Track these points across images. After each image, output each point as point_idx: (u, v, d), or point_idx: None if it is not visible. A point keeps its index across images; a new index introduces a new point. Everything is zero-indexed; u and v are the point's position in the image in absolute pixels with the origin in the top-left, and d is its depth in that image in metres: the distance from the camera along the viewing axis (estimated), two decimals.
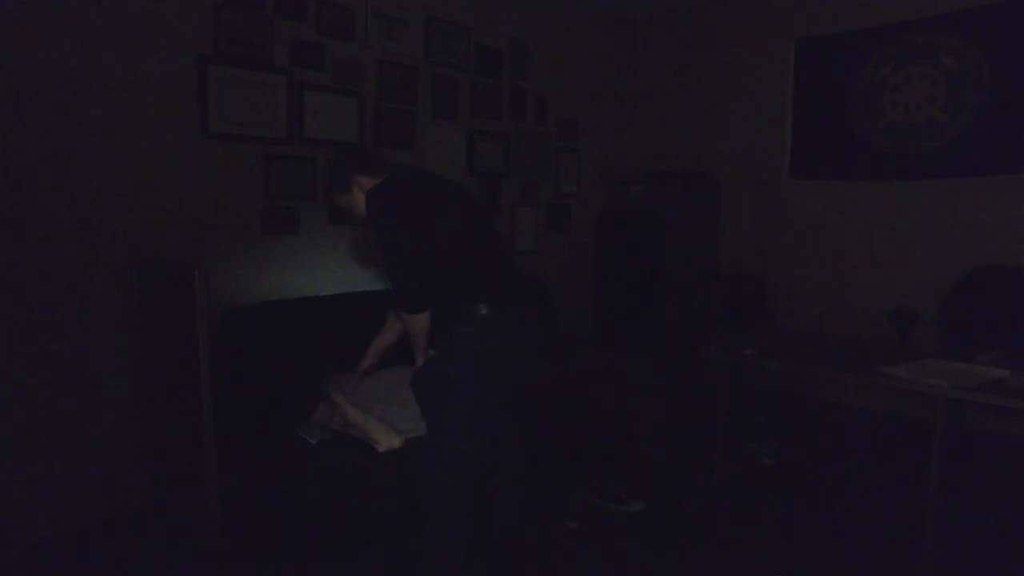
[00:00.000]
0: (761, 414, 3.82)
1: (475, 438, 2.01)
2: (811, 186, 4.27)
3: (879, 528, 2.71)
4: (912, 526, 2.49)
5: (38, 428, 2.37)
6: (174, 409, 2.33)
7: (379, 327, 3.01)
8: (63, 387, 2.41)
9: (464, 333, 1.95)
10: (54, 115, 2.35)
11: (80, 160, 2.42)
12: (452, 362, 1.97)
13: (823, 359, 2.84)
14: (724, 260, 4.71)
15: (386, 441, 2.33)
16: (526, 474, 2.27)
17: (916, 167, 3.83)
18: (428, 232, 1.94)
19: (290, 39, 2.97)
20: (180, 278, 2.16)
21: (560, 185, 4.50)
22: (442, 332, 2.02)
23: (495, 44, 3.93)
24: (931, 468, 2.34)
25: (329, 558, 2.34)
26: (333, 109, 3.15)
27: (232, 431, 2.36)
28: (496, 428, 2.12)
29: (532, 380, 2.21)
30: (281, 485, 2.36)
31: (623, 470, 3.11)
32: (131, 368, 2.57)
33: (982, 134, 3.60)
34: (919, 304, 3.68)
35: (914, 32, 3.78)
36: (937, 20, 3.69)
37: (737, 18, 4.52)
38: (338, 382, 2.58)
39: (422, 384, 2.23)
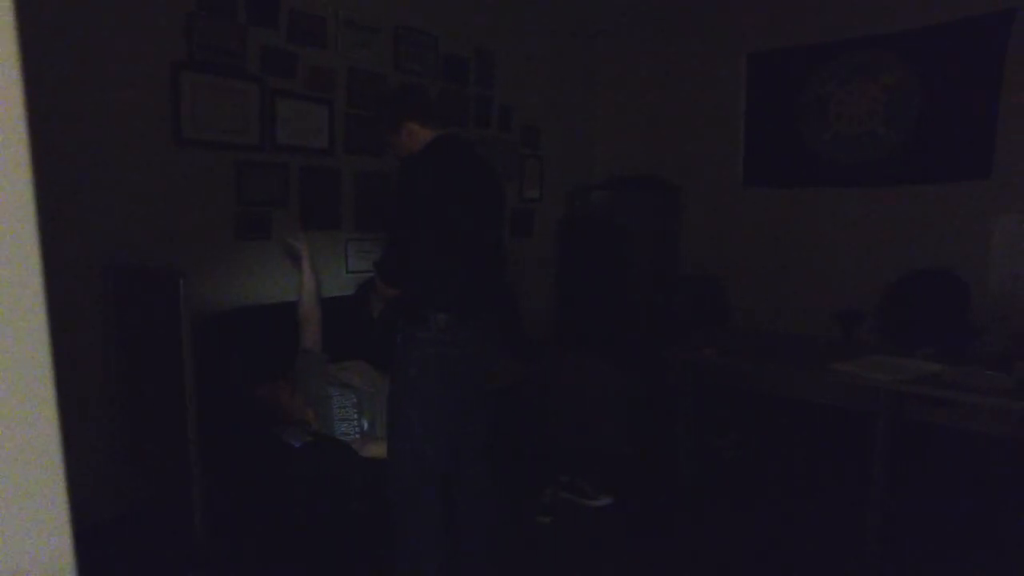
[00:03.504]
0: (721, 410, 4.00)
1: (436, 439, 2.01)
2: (763, 193, 4.49)
3: (830, 511, 2.90)
4: (859, 508, 2.68)
5: None
6: (156, 415, 2.34)
7: (352, 331, 3.08)
8: None
9: (421, 338, 1.96)
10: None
11: (51, 166, 2.40)
12: (411, 363, 1.99)
13: (778, 357, 3.02)
14: (683, 263, 4.90)
15: (373, 450, 2.39)
16: (491, 489, 2.25)
17: (859, 176, 4.08)
18: (434, 226, 1.93)
19: (262, 47, 3.00)
20: (162, 285, 2.18)
21: (524, 191, 4.62)
22: (403, 333, 2.05)
23: (462, 53, 4.02)
24: (875, 455, 2.54)
25: (312, 560, 2.38)
26: (305, 116, 3.18)
27: (213, 436, 2.38)
28: (457, 439, 2.11)
29: (489, 396, 2.22)
30: (264, 488, 2.39)
31: (591, 466, 3.23)
32: (107, 374, 2.56)
33: (917, 147, 3.87)
34: (863, 303, 3.92)
35: (856, 50, 4.03)
36: (876, 39, 3.95)
37: (694, 32, 4.72)
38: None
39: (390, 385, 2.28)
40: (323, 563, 2.37)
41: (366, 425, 2.61)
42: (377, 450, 2.38)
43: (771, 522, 2.84)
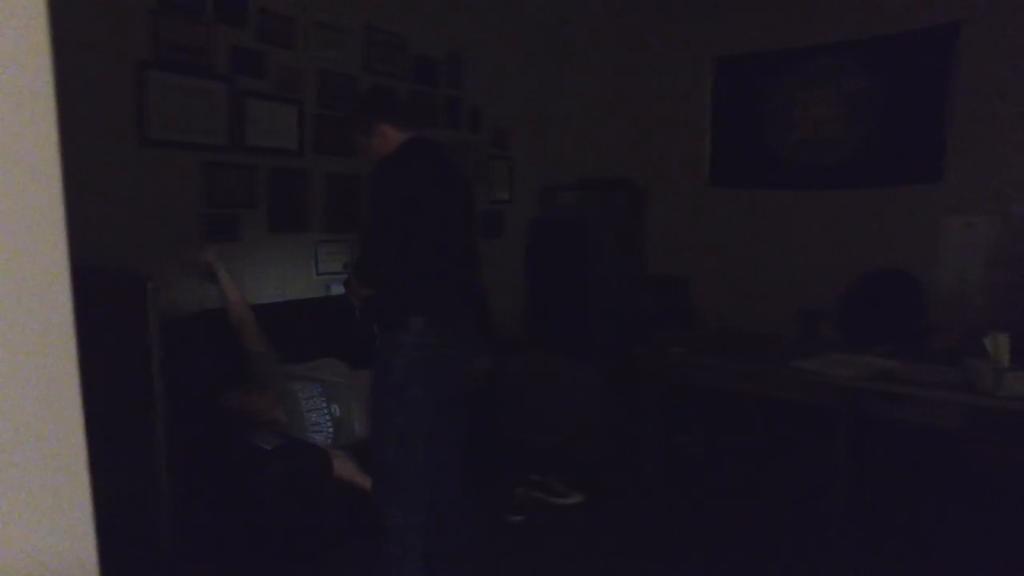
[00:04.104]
0: (688, 408, 4.09)
1: (424, 441, 2.04)
2: (729, 194, 4.60)
3: (795, 505, 2.99)
4: (822, 498, 2.78)
5: None
6: (123, 420, 2.30)
7: (321, 334, 3.07)
8: None
9: (402, 342, 1.99)
10: None
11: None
12: (393, 369, 2.01)
13: (742, 355, 3.11)
14: (650, 263, 4.99)
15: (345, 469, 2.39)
16: (469, 487, 2.28)
17: (820, 179, 4.21)
18: (411, 229, 1.94)
19: (230, 46, 2.96)
20: (129, 288, 2.15)
21: (493, 192, 4.64)
22: (381, 338, 2.07)
23: (432, 54, 4.03)
24: (836, 449, 2.64)
25: (284, 566, 2.37)
26: (274, 117, 3.16)
27: (182, 441, 2.35)
28: (440, 439, 2.12)
29: (466, 401, 2.24)
30: (234, 494, 2.37)
31: (561, 465, 3.27)
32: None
33: (873, 151, 4.01)
34: (824, 302, 4.05)
35: (819, 56, 4.16)
36: (838, 46, 4.09)
37: (662, 36, 4.80)
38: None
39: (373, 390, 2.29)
40: (296, 568, 2.36)
41: (338, 411, 2.60)
42: (348, 470, 2.38)
43: (738, 517, 2.92)
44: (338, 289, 3.36)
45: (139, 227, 2.71)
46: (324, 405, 2.61)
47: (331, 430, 2.58)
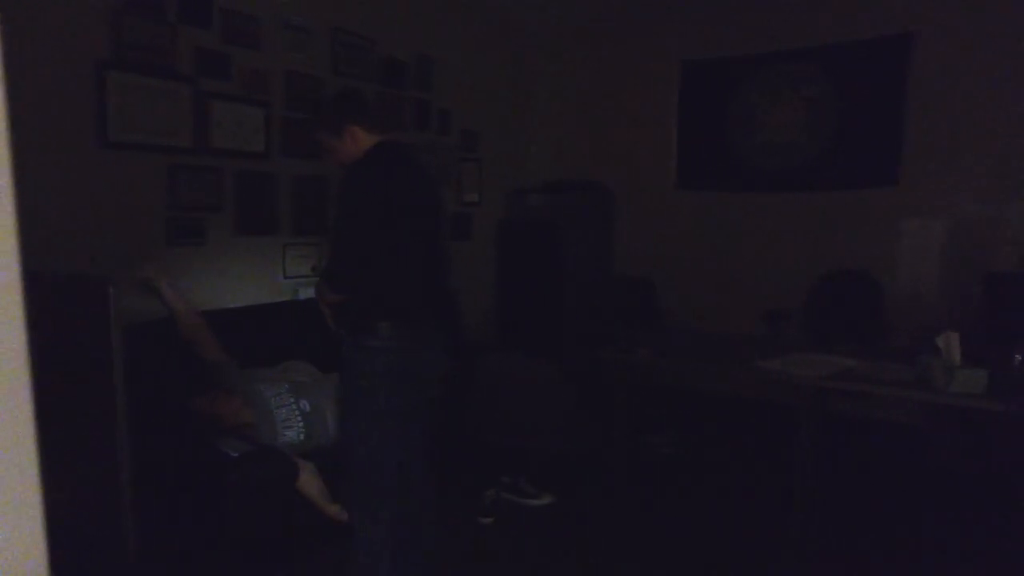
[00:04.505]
0: (656, 408, 4.14)
1: (391, 445, 2.04)
2: (696, 197, 4.67)
3: (762, 499, 3.05)
4: (786, 494, 2.83)
5: None
6: (84, 429, 2.24)
7: (290, 338, 3.04)
8: None
9: (370, 347, 1.99)
10: None
11: None
12: (362, 375, 2.01)
13: (709, 356, 3.16)
14: (618, 265, 5.04)
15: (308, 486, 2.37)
16: (434, 488, 2.29)
17: (783, 182, 4.31)
18: (382, 235, 1.94)
19: (194, 47, 2.92)
20: (90, 293, 2.10)
21: (463, 194, 4.65)
22: (348, 343, 2.07)
23: (400, 57, 4.02)
24: (800, 446, 2.70)
25: (251, 573, 2.34)
26: (240, 119, 3.12)
27: (146, 449, 2.30)
28: (407, 442, 2.12)
29: (433, 404, 2.24)
30: (201, 503, 2.33)
31: (532, 467, 3.29)
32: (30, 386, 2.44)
33: (834, 155, 4.12)
34: (789, 302, 4.13)
35: (780, 62, 4.25)
36: (798, 53, 4.18)
37: (629, 40, 4.86)
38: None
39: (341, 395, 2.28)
40: None
41: (307, 406, 2.58)
42: (312, 489, 2.36)
43: (706, 515, 2.97)
44: (307, 293, 3.33)
45: (102, 231, 2.65)
46: (292, 401, 2.58)
47: (302, 425, 2.55)
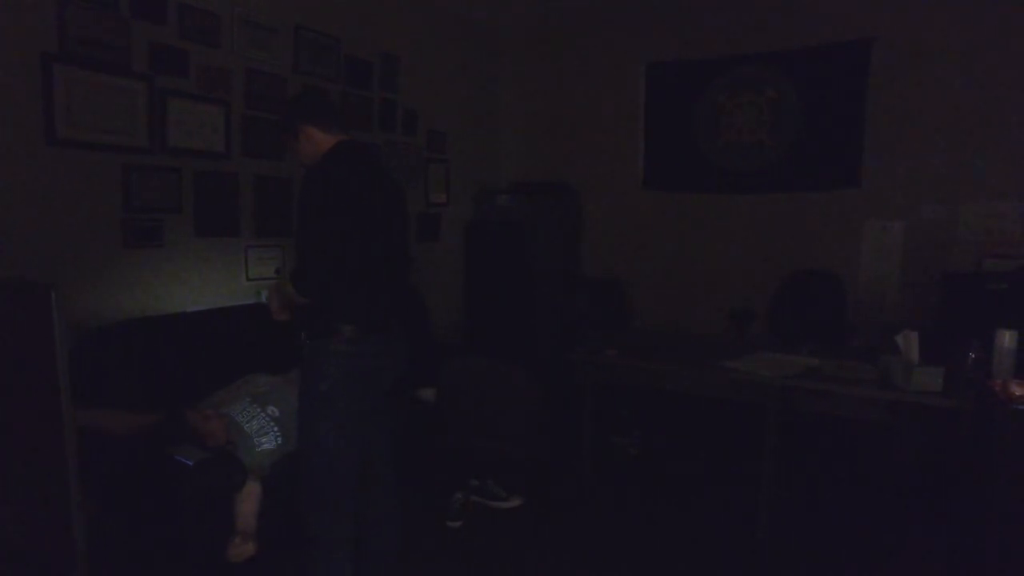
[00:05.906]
0: (624, 409, 4.15)
1: (349, 449, 2.01)
2: (662, 197, 4.70)
3: (726, 497, 3.08)
4: (752, 492, 2.86)
5: None
6: (31, 439, 2.15)
7: (251, 342, 2.96)
8: None
9: (331, 351, 1.95)
10: None
11: None
12: (323, 378, 1.97)
13: (676, 356, 3.17)
14: (586, 265, 5.04)
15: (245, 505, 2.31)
16: (398, 489, 2.27)
17: (748, 183, 4.35)
18: (344, 236, 1.90)
19: (149, 43, 2.83)
20: (31, 299, 2.01)
21: (430, 195, 4.60)
22: (309, 346, 2.01)
23: (365, 56, 3.96)
24: (766, 444, 2.72)
25: None
26: (198, 117, 3.04)
27: (97, 460, 2.22)
28: (367, 444, 2.10)
29: (395, 406, 2.20)
30: (155, 509, 2.26)
31: (501, 469, 3.27)
32: None
33: (797, 157, 4.18)
34: (755, 302, 4.18)
35: (744, 65, 4.30)
36: (761, 56, 4.23)
37: (595, 41, 4.87)
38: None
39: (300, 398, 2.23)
40: None
41: (276, 411, 2.51)
42: (244, 507, 2.29)
43: (674, 514, 2.98)
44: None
45: (51, 233, 2.55)
46: (260, 411, 2.53)
47: (277, 430, 2.49)
